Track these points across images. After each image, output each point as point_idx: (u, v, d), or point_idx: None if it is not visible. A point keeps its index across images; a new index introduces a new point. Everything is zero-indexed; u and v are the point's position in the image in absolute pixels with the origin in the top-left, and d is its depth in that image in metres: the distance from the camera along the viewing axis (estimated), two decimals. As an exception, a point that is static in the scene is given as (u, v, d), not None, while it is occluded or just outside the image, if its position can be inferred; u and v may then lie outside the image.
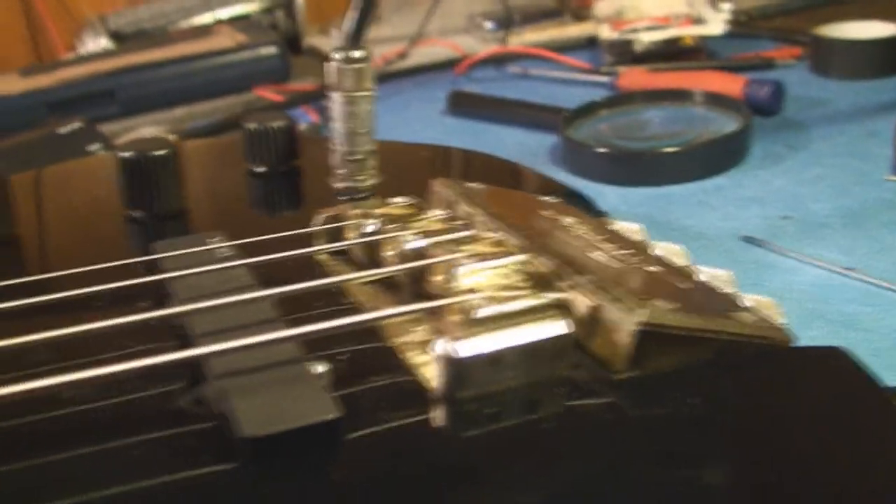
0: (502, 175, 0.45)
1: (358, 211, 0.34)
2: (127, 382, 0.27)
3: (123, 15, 0.99)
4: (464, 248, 0.30)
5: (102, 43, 0.97)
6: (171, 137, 0.67)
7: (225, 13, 0.99)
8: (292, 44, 0.96)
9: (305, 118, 0.71)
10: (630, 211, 0.50)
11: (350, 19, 0.40)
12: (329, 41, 1.01)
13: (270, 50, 0.85)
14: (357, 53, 0.40)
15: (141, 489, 0.22)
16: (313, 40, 1.02)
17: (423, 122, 0.68)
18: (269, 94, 0.80)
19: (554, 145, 0.61)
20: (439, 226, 0.33)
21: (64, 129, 0.60)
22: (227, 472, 0.23)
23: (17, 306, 0.29)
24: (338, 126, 0.41)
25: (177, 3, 0.99)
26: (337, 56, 0.40)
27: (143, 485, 0.23)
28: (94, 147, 0.59)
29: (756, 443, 0.25)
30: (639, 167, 0.53)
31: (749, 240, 0.46)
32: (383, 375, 0.27)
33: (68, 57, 0.96)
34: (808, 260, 0.43)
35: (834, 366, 0.28)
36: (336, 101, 0.41)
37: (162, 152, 0.38)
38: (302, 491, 0.22)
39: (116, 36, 0.97)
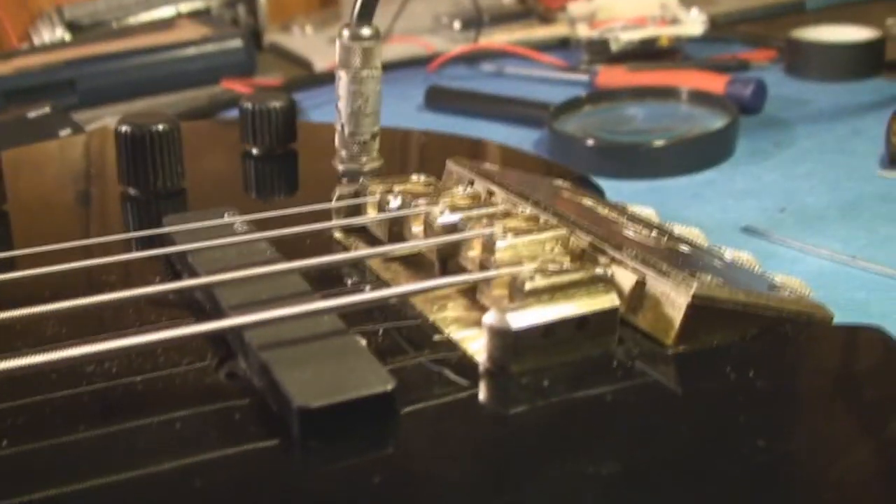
0: (512, 162, 0.44)
1: (379, 186, 0.33)
2: (154, 356, 0.25)
3: (81, 6, 0.96)
4: (498, 222, 0.29)
5: (59, 34, 0.94)
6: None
7: (185, 7, 0.97)
8: (254, 40, 0.94)
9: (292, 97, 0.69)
10: (626, 202, 0.49)
11: (360, -5, 0.38)
12: (291, 38, 1.00)
13: (236, 43, 0.84)
14: (366, 31, 0.39)
15: (187, 465, 0.21)
16: (274, 37, 1.00)
17: (401, 117, 0.66)
18: (238, 86, 0.78)
19: (538, 140, 0.60)
20: (467, 201, 0.32)
21: (33, 114, 0.58)
22: (274, 447, 0.22)
23: (22, 277, 0.27)
24: (343, 106, 0.40)
25: (136, -5, 0.97)
26: (345, 33, 0.39)
27: (189, 461, 0.21)
28: (65, 132, 0.57)
29: (808, 416, 0.24)
30: (630, 160, 0.53)
31: (750, 230, 0.46)
32: (427, 350, 0.26)
33: (24, 47, 0.93)
34: (811, 249, 0.43)
35: (878, 343, 0.27)
36: (342, 79, 0.39)
37: (164, 127, 0.37)
38: (355, 466, 0.21)
39: (73, 27, 0.94)
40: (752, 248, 0.44)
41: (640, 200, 0.50)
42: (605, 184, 0.50)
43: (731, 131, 0.55)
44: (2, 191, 0.36)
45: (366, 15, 0.39)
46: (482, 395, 0.24)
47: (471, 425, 0.23)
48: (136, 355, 0.25)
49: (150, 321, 0.27)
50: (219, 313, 0.26)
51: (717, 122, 0.57)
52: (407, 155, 0.46)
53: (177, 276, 0.30)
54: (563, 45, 0.85)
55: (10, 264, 0.30)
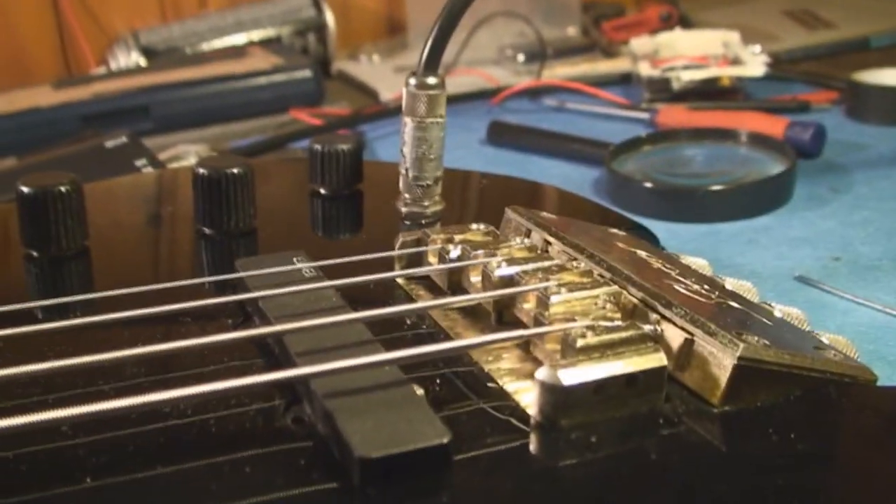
0: (569, 208, 0.46)
1: (440, 236, 0.34)
2: (226, 398, 0.27)
3: (156, 31, 0.99)
4: (553, 276, 0.31)
5: (134, 58, 0.97)
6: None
7: (256, 35, 1.00)
8: (322, 68, 0.97)
9: (361, 138, 0.71)
10: (681, 247, 0.50)
11: (427, 44, 0.40)
12: (358, 67, 1.02)
13: (305, 73, 0.86)
14: (431, 80, 0.41)
15: (255, 504, 0.23)
16: (343, 65, 1.03)
17: (463, 150, 0.68)
18: (305, 116, 0.80)
19: (597, 179, 0.61)
20: (525, 254, 0.33)
21: (111, 143, 0.61)
22: (335, 492, 0.23)
23: (108, 320, 0.29)
24: (407, 151, 0.41)
25: (209, 22, 1.00)
26: (412, 81, 0.41)
27: (256, 501, 0.23)
28: (141, 162, 0.59)
29: (844, 480, 0.25)
30: (687, 203, 0.54)
31: (803, 279, 0.46)
32: (481, 400, 0.27)
33: (101, 71, 0.97)
34: (864, 301, 0.44)
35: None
36: (408, 125, 0.41)
37: (238, 170, 0.38)
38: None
39: (148, 52, 0.98)
40: (805, 298, 0.45)
41: (696, 244, 0.51)
42: (662, 226, 0.51)
43: (788, 177, 0.56)
44: (84, 226, 0.38)
45: (432, 64, 0.41)
46: (532, 447, 0.26)
47: (520, 477, 0.25)
48: (210, 398, 0.27)
49: (223, 361, 0.29)
50: (287, 359, 0.28)
51: (775, 167, 0.57)
52: (467, 197, 0.47)
53: (248, 318, 0.32)
54: (625, 79, 0.86)
55: (91, 305, 0.32)
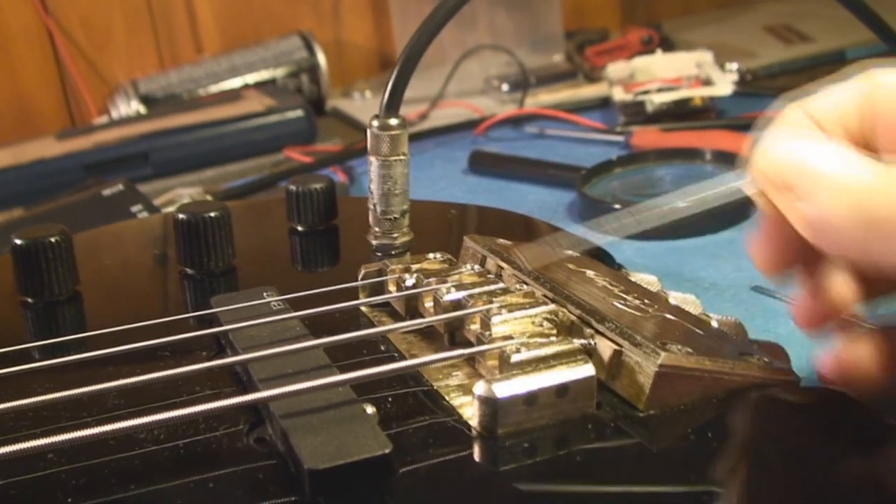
0: (525, 232, 0.48)
1: (398, 266, 0.37)
2: (196, 423, 0.30)
3: (154, 79, 1.03)
4: (497, 299, 0.33)
5: (134, 106, 1.01)
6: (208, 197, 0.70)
7: (252, 78, 1.03)
8: (316, 106, 1.00)
9: (334, 178, 0.74)
10: (646, 263, 0.53)
11: (386, 89, 0.43)
12: (352, 103, 1.05)
13: (297, 113, 0.89)
14: (393, 121, 0.44)
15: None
16: (336, 102, 1.06)
17: (446, 180, 0.71)
18: (297, 155, 0.84)
19: (572, 202, 0.64)
20: (473, 279, 0.36)
21: (108, 192, 0.64)
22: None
23: (91, 357, 0.32)
24: (374, 187, 0.44)
25: (205, 68, 1.04)
26: (375, 124, 0.44)
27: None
28: (137, 208, 0.63)
29: (766, 471, 0.27)
30: (653, 222, 0.56)
31: (759, 289, 0.49)
32: (428, 415, 0.30)
33: (102, 121, 1.00)
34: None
35: (837, 403, 0.31)
36: (373, 164, 0.44)
37: (215, 214, 0.41)
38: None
39: (147, 100, 1.01)
40: (760, 306, 0.48)
41: (661, 260, 0.54)
42: (630, 245, 0.53)
43: (751, 192, 0.58)
44: (75, 272, 0.41)
45: (393, 107, 0.44)
46: (472, 456, 0.28)
47: (460, 483, 0.27)
48: (181, 423, 0.30)
49: (195, 391, 0.32)
50: (252, 385, 0.31)
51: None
52: (436, 228, 0.50)
53: (221, 350, 0.35)
54: (605, 103, 0.89)
55: (81, 344, 0.35)
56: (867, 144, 0.30)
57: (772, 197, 0.31)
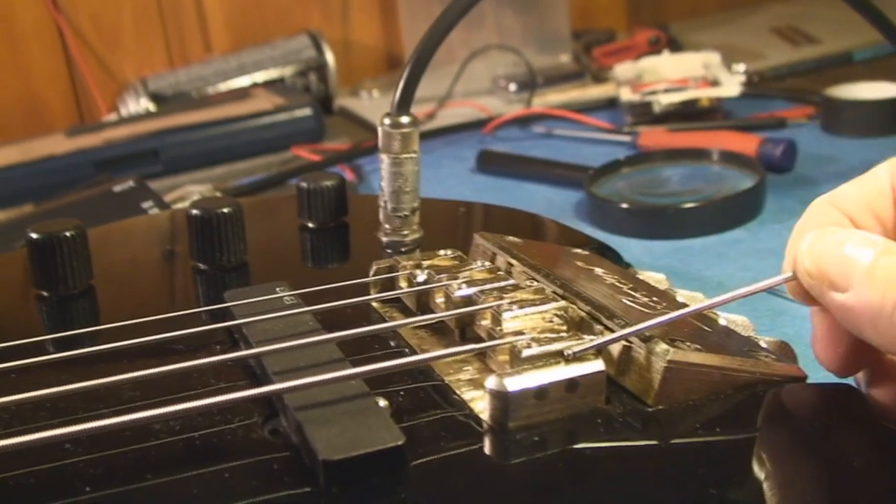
0: (540, 230, 0.49)
1: (409, 262, 0.38)
2: (211, 415, 0.30)
3: (163, 77, 1.04)
4: (507, 295, 0.34)
5: (143, 104, 1.01)
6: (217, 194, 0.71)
7: (260, 76, 1.04)
8: (324, 105, 1.01)
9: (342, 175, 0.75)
10: (654, 262, 0.53)
11: (398, 87, 0.44)
12: (359, 102, 1.06)
13: (306, 111, 0.90)
14: (404, 119, 0.44)
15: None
16: (344, 101, 1.07)
17: (455, 179, 0.71)
18: (306, 153, 0.84)
19: (580, 201, 0.65)
20: (484, 275, 0.36)
21: (119, 188, 0.64)
22: (303, 494, 0.27)
23: (106, 349, 0.33)
24: (385, 185, 0.45)
25: (214, 67, 1.04)
26: (386, 121, 0.44)
27: None
28: (147, 205, 0.63)
29: (774, 467, 0.28)
30: (661, 221, 0.57)
31: (765, 289, 0.49)
32: (439, 409, 0.31)
33: (112, 118, 1.01)
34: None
35: (846, 400, 0.31)
36: (384, 161, 0.44)
37: (228, 210, 0.42)
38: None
39: (156, 98, 1.02)
40: (767, 306, 0.48)
41: (668, 260, 0.54)
42: (638, 243, 0.54)
43: (757, 192, 0.59)
44: (89, 267, 0.42)
45: (404, 104, 0.44)
46: (483, 449, 0.29)
47: (471, 475, 0.28)
48: (196, 414, 0.30)
49: (210, 383, 0.33)
50: (266, 378, 0.31)
51: (746, 182, 0.60)
52: (446, 225, 0.50)
53: (235, 344, 0.35)
54: (612, 103, 0.89)
55: (95, 337, 0.36)
56: None
57: (817, 296, 0.29)
